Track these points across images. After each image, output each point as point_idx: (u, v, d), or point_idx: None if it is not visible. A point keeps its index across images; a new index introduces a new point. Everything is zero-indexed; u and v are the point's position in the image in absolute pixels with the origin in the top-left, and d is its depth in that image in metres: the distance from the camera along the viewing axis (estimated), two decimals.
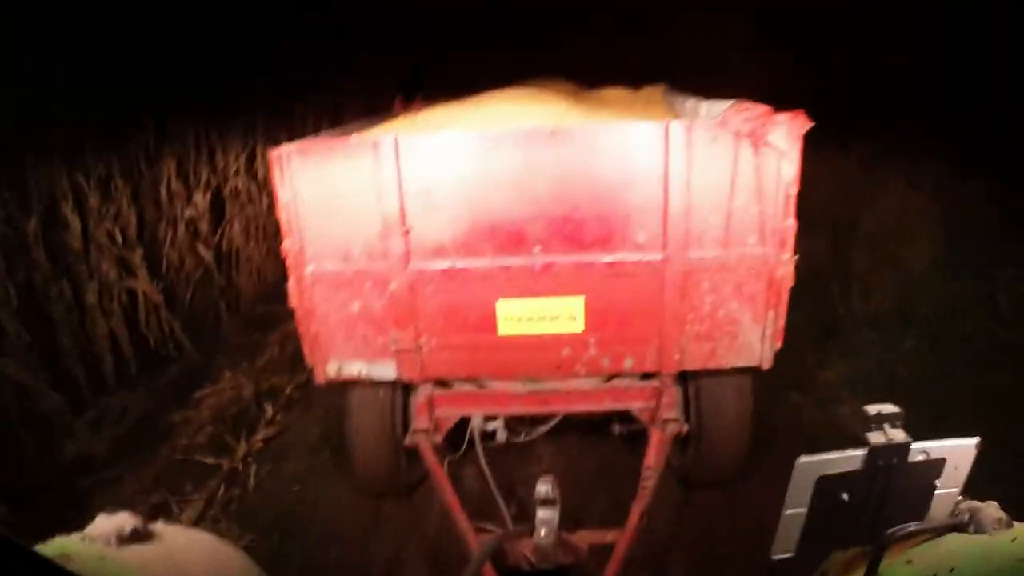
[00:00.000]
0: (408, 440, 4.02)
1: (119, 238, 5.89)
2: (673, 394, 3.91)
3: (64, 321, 5.28)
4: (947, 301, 5.89)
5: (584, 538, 3.46)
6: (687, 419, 3.98)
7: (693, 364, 3.59)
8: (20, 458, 4.56)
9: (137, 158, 6.29)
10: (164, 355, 6.30)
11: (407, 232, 3.35)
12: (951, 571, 1.38)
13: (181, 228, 6.76)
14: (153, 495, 4.56)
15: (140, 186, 6.31)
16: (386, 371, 3.67)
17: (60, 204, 5.36)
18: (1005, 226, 5.72)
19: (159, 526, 1.77)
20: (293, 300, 3.52)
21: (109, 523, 1.62)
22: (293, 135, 4.00)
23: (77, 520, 1.58)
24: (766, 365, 3.55)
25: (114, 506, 1.60)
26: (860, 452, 1.50)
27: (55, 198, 5.33)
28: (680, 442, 4.10)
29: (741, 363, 3.57)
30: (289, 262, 3.46)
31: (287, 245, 3.43)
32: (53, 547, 1.52)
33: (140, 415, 5.48)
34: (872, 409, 1.55)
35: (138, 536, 1.63)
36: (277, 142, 3.42)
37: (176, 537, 1.75)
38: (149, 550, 1.62)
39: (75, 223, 5.44)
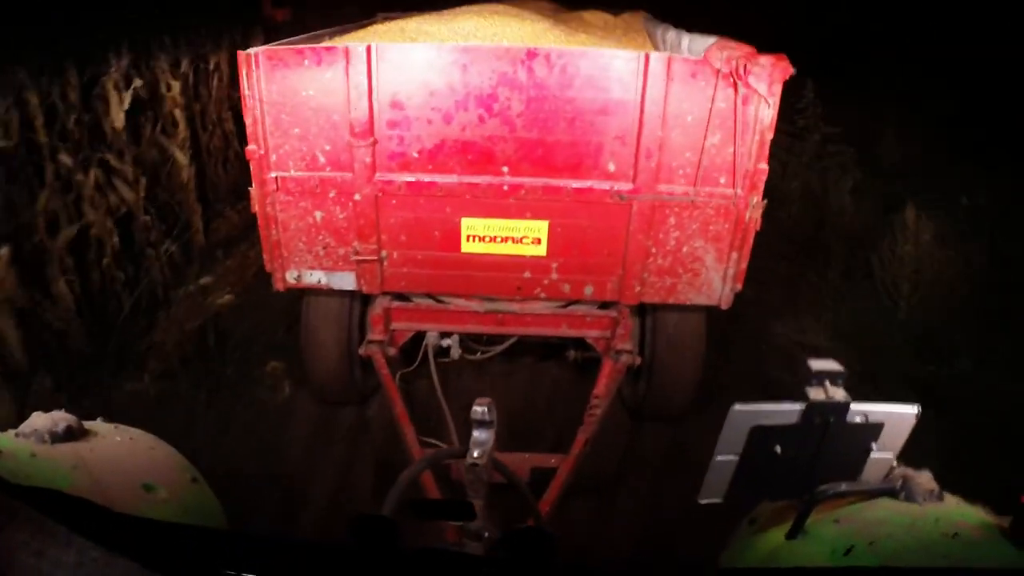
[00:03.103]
0: (363, 350, 4.02)
1: None
2: (629, 326, 3.93)
3: None
4: None
5: (528, 461, 3.52)
6: (641, 352, 4.01)
7: (653, 297, 3.60)
8: None
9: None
10: None
11: (375, 143, 3.26)
12: (887, 538, 1.37)
13: None
14: None
15: None
16: (346, 281, 3.64)
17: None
18: None
19: (96, 424, 1.74)
20: (255, 206, 3.44)
21: (42, 420, 1.60)
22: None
23: None
24: (725, 305, 3.57)
25: None
26: (797, 406, 1.47)
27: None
28: (633, 374, 4.14)
29: (701, 301, 3.58)
30: (253, 167, 3.37)
31: (251, 150, 3.33)
32: None
33: None
34: (815, 364, 1.52)
35: (72, 434, 1.61)
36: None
37: (112, 435, 1.73)
38: (83, 448, 1.60)
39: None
